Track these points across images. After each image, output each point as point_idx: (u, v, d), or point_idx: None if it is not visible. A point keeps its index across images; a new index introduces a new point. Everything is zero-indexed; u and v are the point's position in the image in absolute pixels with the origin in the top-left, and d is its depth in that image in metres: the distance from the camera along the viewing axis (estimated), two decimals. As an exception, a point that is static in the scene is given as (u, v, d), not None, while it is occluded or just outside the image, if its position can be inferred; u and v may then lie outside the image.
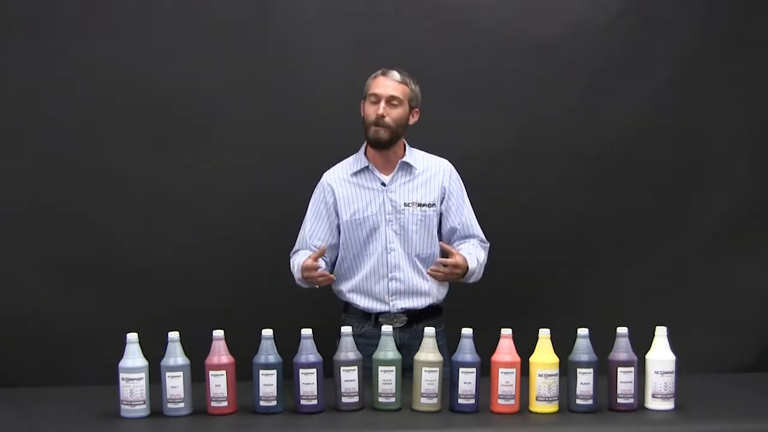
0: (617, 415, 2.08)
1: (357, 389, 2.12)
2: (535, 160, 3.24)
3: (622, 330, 2.13)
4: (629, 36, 3.24)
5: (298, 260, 2.54)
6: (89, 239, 3.12)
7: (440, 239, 2.62)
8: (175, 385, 2.08)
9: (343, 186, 2.61)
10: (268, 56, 3.15)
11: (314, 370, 2.09)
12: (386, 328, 2.17)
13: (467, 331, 2.11)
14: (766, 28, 3.27)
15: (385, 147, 2.55)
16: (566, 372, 2.10)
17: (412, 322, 2.57)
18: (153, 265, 3.15)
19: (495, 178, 3.17)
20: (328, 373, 2.13)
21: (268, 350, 2.10)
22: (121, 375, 2.08)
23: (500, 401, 2.08)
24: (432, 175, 2.62)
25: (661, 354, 2.12)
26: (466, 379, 2.08)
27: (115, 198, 3.13)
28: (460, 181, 2.66)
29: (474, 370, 2.08)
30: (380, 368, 2.12)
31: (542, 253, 3.26)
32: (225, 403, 2.10)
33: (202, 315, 2.69)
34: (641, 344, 2.15)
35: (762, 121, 3.31)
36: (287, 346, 2.14)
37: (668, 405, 2.11)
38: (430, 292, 2.59)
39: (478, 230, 2.65)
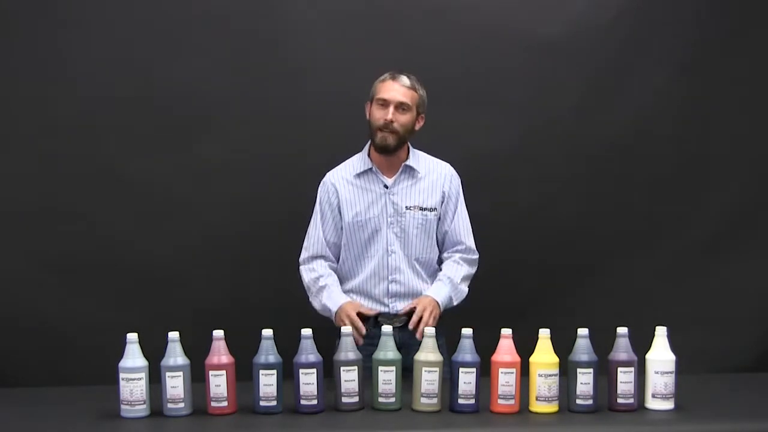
0: (617, 415, 2.08)
1: (357, 389, 2.12)
2: (534, 160, 3.24)
3: (622, 330, 2.12)
4: (629, 36, 3.23)
5: (334, 297, 2.52)
6: (89, 239, 3.12)
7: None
8: (175, 385, 2.08)
9: (346, 187, 2.61)
10: (268, 56, 3.15)
11: (314, 370, 2.09)
12: (386, 328, 2.17)
13: (467, 331, 2.11)
14: (766, 28, 3.27)
15: (391, 152, 2.55)
16: (566, 372, 2.10)
17: (411, 322, 2.57)
18: (153, 265, 3.15)
19: (495, 178, 3.17)
20: (328, 373, 2.13)
21: (268, 350, 2.10)
22: (121, 375, 2.08)
23: (500, 401, 2.08)
24: (434, 179, 2.62)
25: (661, 354, 2.12)
26: (466, 379, 2.08)
27: (115, 198, 3.13)
28: (460, 186, 2.66)
29: (474, 370, 2.08)
30: (380, 368, 2.12)
31: (542, 252, 3.26)
32: (225, 403, 2.09)
33: (202, 315, 2.70)
34: (641, 344, 2.15)
35: (762, 121, 3.31)
36: (287, 346, 2.14)
37: (668, 405, 2.10)
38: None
39: (466, 238, 2.63)
